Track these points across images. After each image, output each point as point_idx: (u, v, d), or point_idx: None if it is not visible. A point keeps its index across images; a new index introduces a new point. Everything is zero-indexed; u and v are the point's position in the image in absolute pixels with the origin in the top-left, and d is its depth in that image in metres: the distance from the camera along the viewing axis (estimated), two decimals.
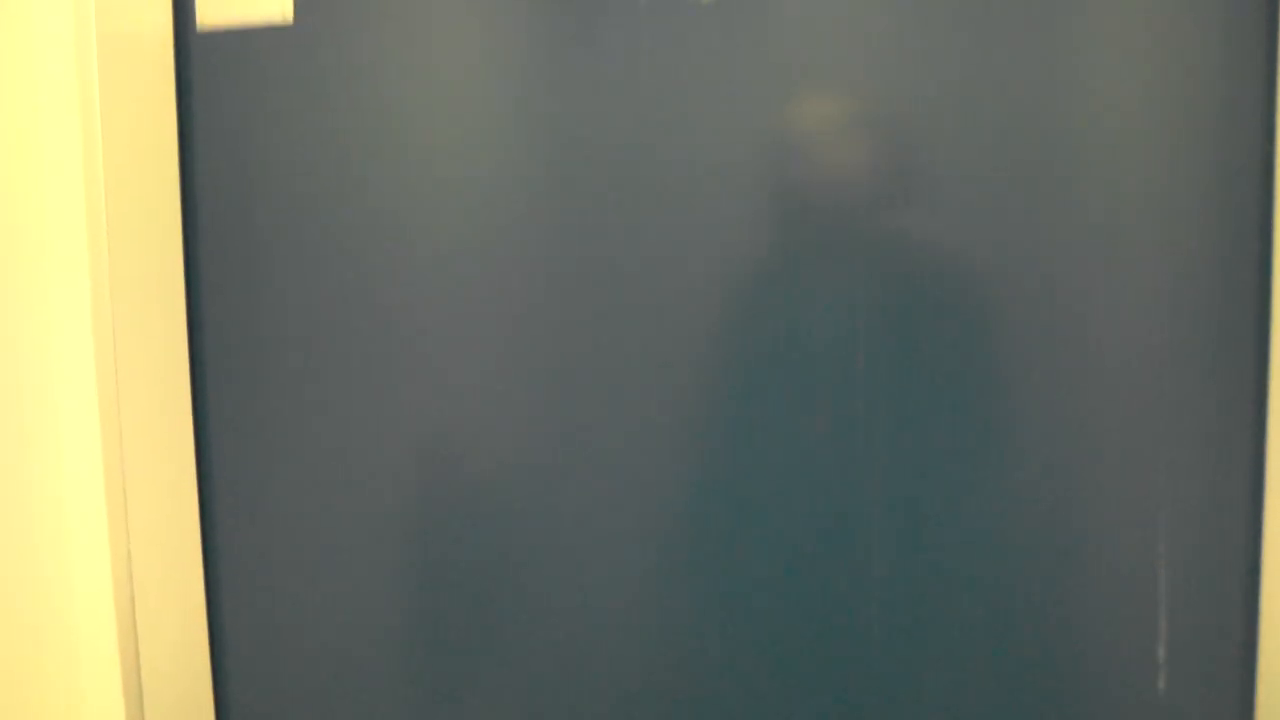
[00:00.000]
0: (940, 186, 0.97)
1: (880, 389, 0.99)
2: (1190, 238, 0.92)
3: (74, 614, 1.08)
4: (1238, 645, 0.94)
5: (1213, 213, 0.92)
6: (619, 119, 1.03)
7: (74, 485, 1.06)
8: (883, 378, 0.99)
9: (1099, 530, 0.96)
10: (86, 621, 1.07)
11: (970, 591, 0.99)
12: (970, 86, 0.95)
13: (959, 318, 0.97)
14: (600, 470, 1.07)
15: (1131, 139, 0.93)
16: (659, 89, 1.02)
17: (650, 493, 1.06)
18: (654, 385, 1.05)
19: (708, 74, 1.01)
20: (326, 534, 1.16)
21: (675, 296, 1.03)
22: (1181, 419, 0.94)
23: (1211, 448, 0.94)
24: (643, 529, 1.06)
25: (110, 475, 1.05)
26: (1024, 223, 0.95)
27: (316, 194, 1.12)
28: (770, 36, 1.00)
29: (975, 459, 0.98)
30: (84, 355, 1.04)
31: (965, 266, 0.97)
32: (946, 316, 0.97)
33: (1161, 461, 0.95)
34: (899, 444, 0.99)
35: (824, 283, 1.00)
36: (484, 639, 1.12)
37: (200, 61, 1.14)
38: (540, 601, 1.10)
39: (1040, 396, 0.96)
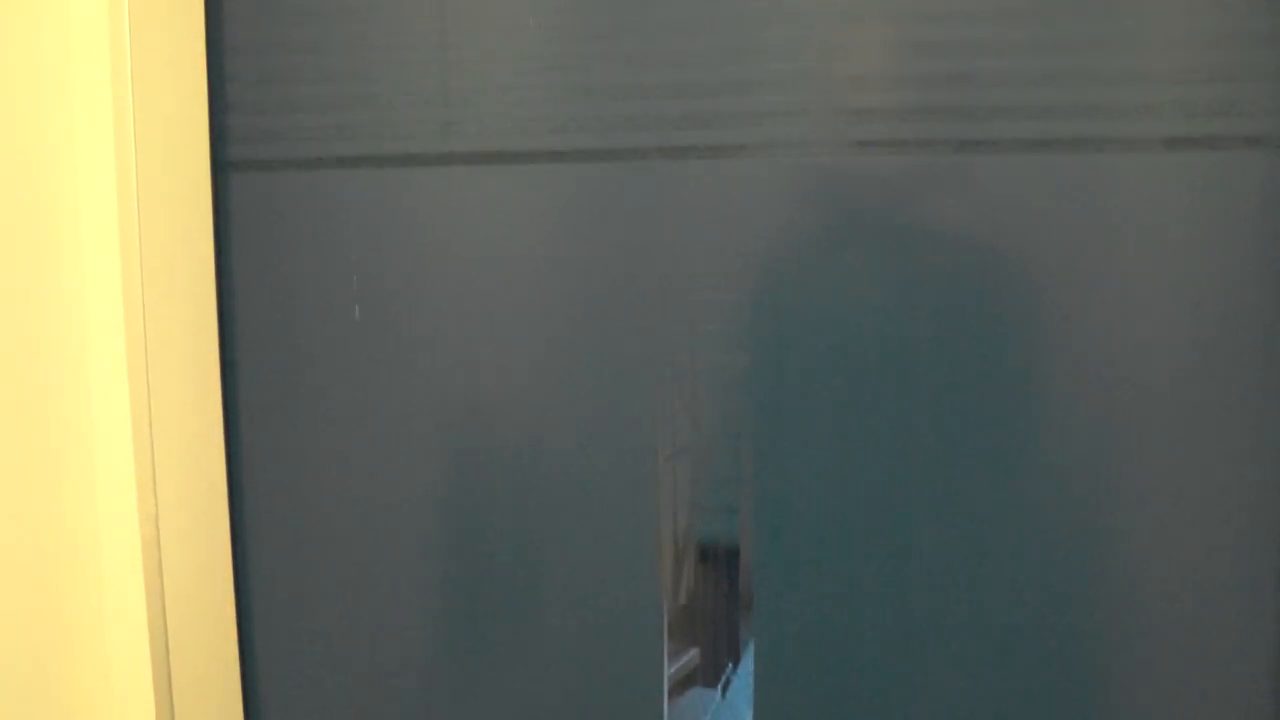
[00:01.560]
0: (982, 172, 0.95)
1: (918, 378, 0.98)
2: (1243, 230, 0.91)
3: (103, 609, 1.09)
4: (1271, 650, 0.94)
5: (1263, 207, 0.90)
6: (652, 90, 1.02)
7: (104, 472, 1.07)
8: (920, 367, 0.98)
9: (1136, 529, 0.96)
10: (115, 614, 1.08)
11: (1007, 587, 0.99)
12: (1019, 66, 0.94)
13: (1001, 305, 0.96)
14: (633, 456, 1.06)
15: (1183, 135, 0.91)
16: (694, 61, 1.01)
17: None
18: (688, 368, 1.04)
19: (745, 46, 1.00)
20: (356, 522, 1.16)
21: (710, 274, 1.03)
22: (1227, 419, 0.93)
23: (1259, 450, 0.93)
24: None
25: (139, 455, 1.06)
26: (1068, 211, 0.94)
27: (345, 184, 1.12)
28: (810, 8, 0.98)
29: (1014, 454, 0.97)
30: (114, 334, 1.05)
31: (1007, 253, 0.96)
32: (987, 303, 0.96)
33: (1204, 461, 0.94)
34: (937, 436, 0.98)
35: (865, 272, 0.99)
36: (515, 627, 1.12)
37: None
38: (572, 591, 1.10)
39: (1081, 391, 0.95)
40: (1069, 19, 0.92)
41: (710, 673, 1.07)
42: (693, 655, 1.07)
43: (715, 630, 1.07)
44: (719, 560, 1.05)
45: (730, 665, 1.07)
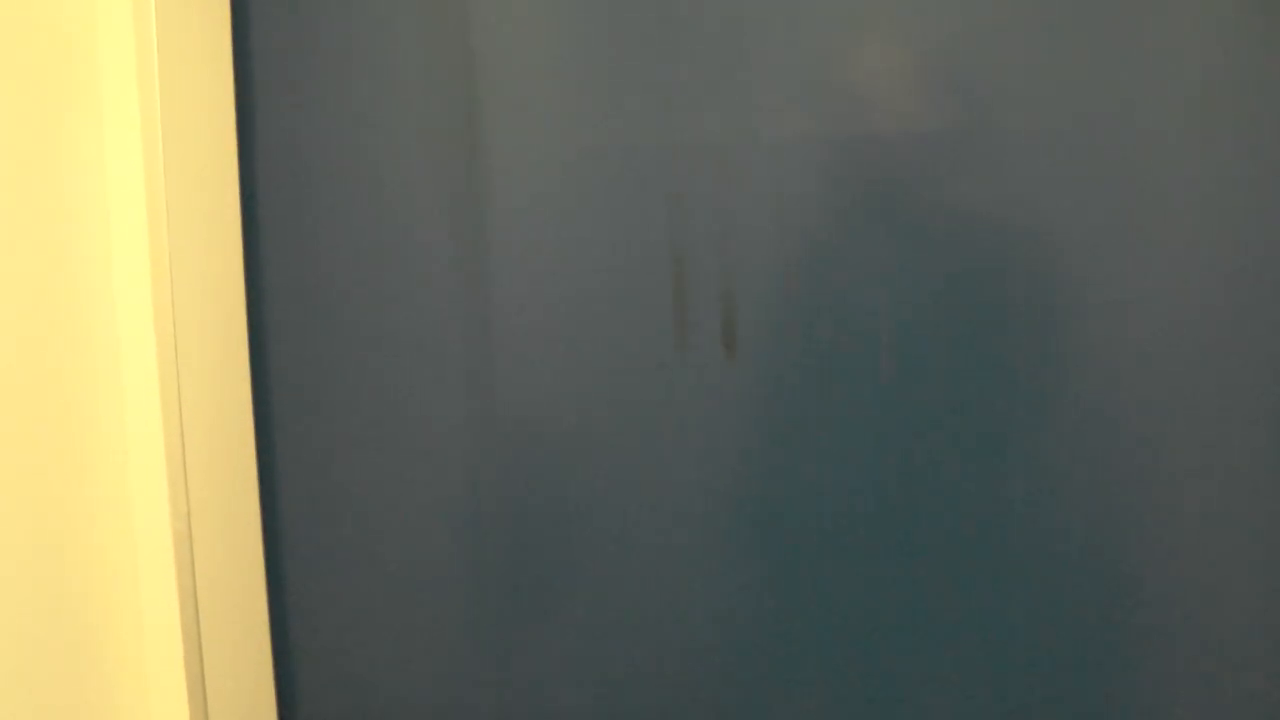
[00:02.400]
0: (1002, 156, 0.95)
1: (939, 365, 0.99)
2: (1265, 217, 0.91)
3: (138, 605, 1.10)
4: None
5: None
6: (675, 84, 1.03)
7: (137, 471, 1.08)
8: (941, 355, 0.99)
9: (1153, 515, 0.96)
10: (149, 610, 1.09)
11: (1035, 574, 0.99)
12: (1039, 49, 0.94)
13: (1021, 292, 0.97)
14: (658, 441, 1.07)
15: (1205, 116, 0.91)
16: (713, 50, 1.02)
17: (708, 464, 1.06)
18: (713, 359, 1.05)
19: (766, 37, 1.01)
20: (388, 518, 1.17)
21: (732, 267, 1.03)
22: (1248, 406, 0.93)
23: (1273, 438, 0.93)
24: (702, 501, 1.07)
25: (171, 454, 1.07)
26: (1089, 196, 0.94)
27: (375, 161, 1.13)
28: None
29: (1043, 446, 0.97)
30: (145, 336, 1.06)
31: (1028, 240, 0.96)
32: (1009, 291, 0.97)
33: (1227, 447, 0.94)
34: (957, 422, 0.99)
35: (883, 255, 0.99)
36: (545, 628, 1.14)
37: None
38: (600, 585, 1.11)
39: (1103, 376, 0.95)
40: None
41: None
42: None
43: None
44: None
45: None
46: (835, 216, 1.00)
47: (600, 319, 1.08)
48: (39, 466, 0.99)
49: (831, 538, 1.03)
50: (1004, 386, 0.98)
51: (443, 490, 1.15)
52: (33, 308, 0.99)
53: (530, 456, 1.12)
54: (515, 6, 1.06)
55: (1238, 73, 0.90)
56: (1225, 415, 0.93)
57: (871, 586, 1.03)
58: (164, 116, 1.03)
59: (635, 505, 1.09)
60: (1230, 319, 0.92)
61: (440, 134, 1.09)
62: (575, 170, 1.06)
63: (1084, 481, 0.97)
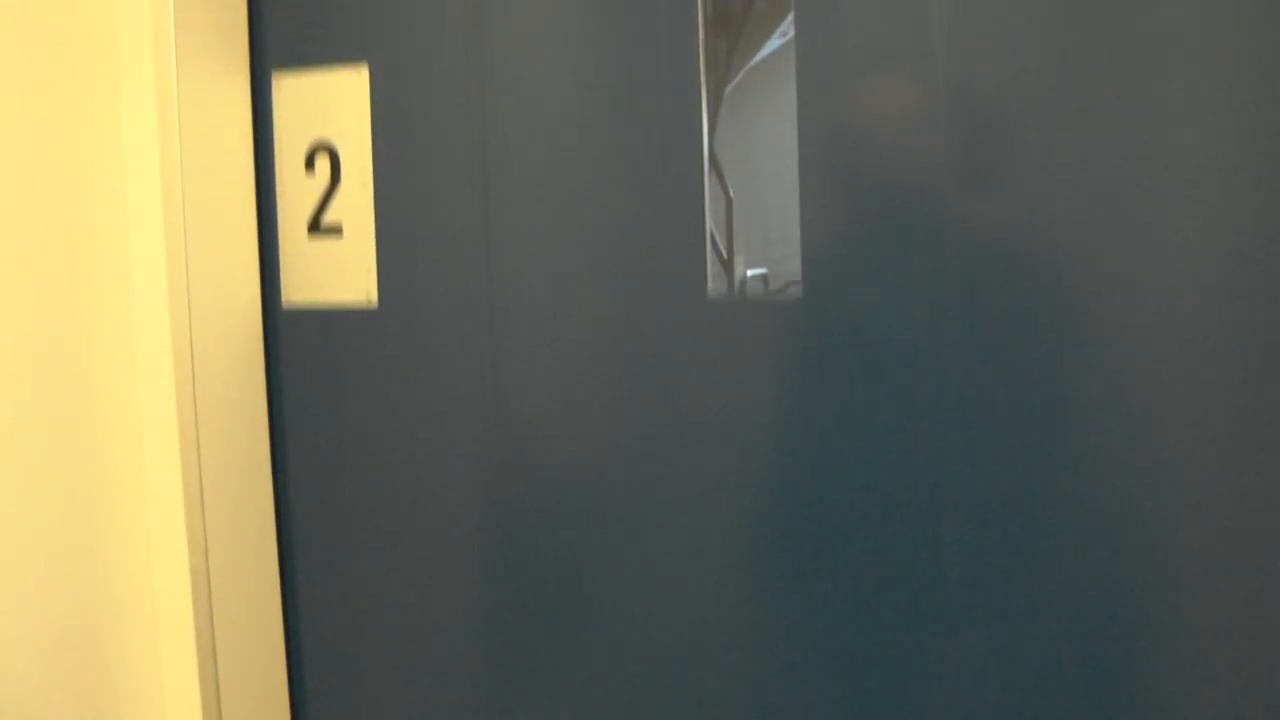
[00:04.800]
0: (1017, 175, 0.96)
1: (958, 379, 0.99)
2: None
3: (156, 636, 1.10)
4: None
5: None
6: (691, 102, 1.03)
7: (155, 503, 1.08)
8: (960, 369, 0.99)
9: (1173, 529, 0.96)
10: (167, 641, 1.09)
11: (1053, 586, 0.99)
12: (1050, 69, 0.94)
13: (1038, 309, 0.96)
14: (677, 463, 1.07)
15: (1209, 125, 0.91)
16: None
17: (727, 487, 1.06)
18: (729, 379, 1.05)
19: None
20: (403, 551, 1.16)
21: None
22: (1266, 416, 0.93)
23: None
24: (721, 524, 1.07)
25: (188, 485, 1.07)
26: (1103, 213, 0.94)
27: None
28: (842, 20, 0.99)
29: (1056, 454, 0.98)
30: (163, 361, 1.06)
31: (1043, 257, 0.96)
32: (1025, 308, 0.97)
33: (1244, 459, 0.94)
34: (976, 436, 0.99)
35: (899, 273, 0.99)
36: (561, 653, 1.13)
37: None
38: (621, 608, 1.10)
39: (1119, 390, 0.95)
40: None
41: None
42: None
43: None
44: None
45: None
46: (849, 222, 1.01)
47: (613, 322, 1.08)
48: (56, 497, 0.99)
49: (848, 541, 1.03)
50: (1020, 394, 0.98)
51: (458, 516, 1.14)
52: (52, 335, 0.99)
53: (549, 481, 1.11)
54: (527, 13, 1.07)
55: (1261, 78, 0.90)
56: (1251, 421, 0.93)
57: (895, 593, 1.03)
58: (181, 124, 1.04)
59: (652, 513, 1.08)
60: (1256, 326, 0.92)
61: (451, 131, 1.10)
62: (585, 173, 1.07)
63: (1104, 485, 0.97)
